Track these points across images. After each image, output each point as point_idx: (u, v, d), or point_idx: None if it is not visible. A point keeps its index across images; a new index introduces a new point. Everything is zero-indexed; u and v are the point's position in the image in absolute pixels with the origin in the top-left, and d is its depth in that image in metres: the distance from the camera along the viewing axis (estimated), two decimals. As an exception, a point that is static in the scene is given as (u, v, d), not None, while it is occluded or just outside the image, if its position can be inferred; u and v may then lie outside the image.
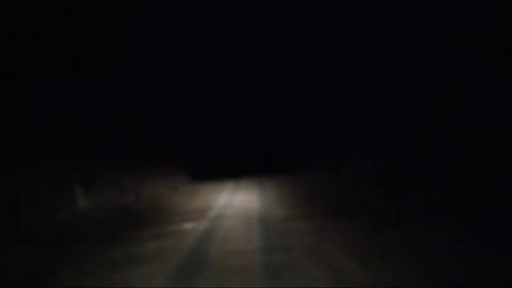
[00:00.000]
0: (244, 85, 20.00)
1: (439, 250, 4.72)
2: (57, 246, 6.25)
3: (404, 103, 11.42)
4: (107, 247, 5.96)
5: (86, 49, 11.81)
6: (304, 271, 4.31)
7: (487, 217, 5.98)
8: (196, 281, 4.20)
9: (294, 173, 17.25)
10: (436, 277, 3.91)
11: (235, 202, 10.03)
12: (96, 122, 12.23)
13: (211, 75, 19.08)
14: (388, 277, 3.97)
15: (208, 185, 15.02)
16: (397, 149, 11.02)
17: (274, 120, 20.23)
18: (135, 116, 14.74)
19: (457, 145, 8.81)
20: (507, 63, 8.30)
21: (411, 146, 10.47)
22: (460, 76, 9.47)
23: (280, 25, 16.90)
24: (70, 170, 9.49)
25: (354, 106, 14.11)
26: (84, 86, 11.62)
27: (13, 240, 6.52)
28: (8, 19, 10.06)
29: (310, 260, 4.67)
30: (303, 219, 7.14)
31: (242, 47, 17.99)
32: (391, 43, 12.02)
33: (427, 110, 10.56)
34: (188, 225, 7.27)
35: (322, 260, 4.64)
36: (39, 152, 9.39)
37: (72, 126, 11.02)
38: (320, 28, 15.31)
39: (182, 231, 6.75)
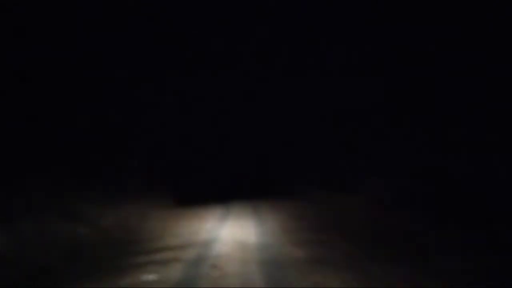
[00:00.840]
0: (237, 98, 18.89)
1: None
2: None
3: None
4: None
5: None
6: None
7: None
8: None
9: (294, 196, 15.11)
10: None
11: (223, 236, 7.69)
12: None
13: (199, 86, 17.98)
14: None
15: (192, 211, 12.59)
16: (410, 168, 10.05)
17: (269, 135, 19.22)
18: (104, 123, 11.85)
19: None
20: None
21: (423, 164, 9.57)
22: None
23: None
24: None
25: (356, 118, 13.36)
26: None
27: None
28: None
29: None
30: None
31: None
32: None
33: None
34: (151, 277, 5.03)
35: None
36: None
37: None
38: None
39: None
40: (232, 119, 19.43)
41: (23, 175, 7.84)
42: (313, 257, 5.67)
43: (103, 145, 11.68)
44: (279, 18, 15.93)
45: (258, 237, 7.45)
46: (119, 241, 7.95)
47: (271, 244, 6.76)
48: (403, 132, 10.96)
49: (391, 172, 10.76)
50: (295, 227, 8.54)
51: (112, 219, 9.49)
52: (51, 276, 5.51)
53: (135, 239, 8.04)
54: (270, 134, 18.90)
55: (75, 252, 6.79)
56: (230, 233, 8.05)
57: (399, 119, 11.29)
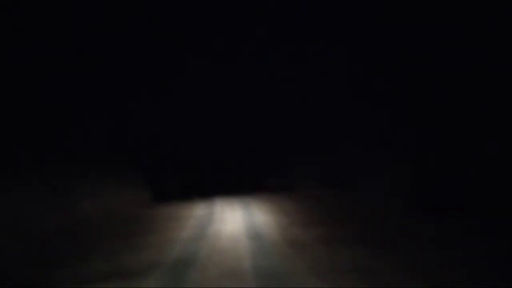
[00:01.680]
0: (236, 97, 18.79)
1: None
2: None
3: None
4: None
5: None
6: None
7: None
8: None
9: (295, 194, 14.47)
10: None
11: (205, 253, 5.73)
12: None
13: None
14: None
15: (172, 210, 11.02)
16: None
17: (257, 125, 18.82)
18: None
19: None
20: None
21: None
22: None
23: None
24: None
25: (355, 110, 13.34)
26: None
27: None
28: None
29: None
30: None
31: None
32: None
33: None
34: None
35: None
36: None
37: None
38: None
39: None
40: (230, 116, 19.33)
41: None
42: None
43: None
44: (279, 18, 15.93)
45: (254, 259, 5.42)
46: (54, 255, 5.74)
47: (275, 273, 4.75)
48: (404, 130, 10.98)
49: (392, 171, 10.74)
50: (304, 240, 6.57)
51: (58, 222, 7.08)
52: None
53: (79, 253, 5.87)
54: (268, 130, 18.78)
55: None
56: (216, 249, 6.05)
57: (399, 117, 11.30)
